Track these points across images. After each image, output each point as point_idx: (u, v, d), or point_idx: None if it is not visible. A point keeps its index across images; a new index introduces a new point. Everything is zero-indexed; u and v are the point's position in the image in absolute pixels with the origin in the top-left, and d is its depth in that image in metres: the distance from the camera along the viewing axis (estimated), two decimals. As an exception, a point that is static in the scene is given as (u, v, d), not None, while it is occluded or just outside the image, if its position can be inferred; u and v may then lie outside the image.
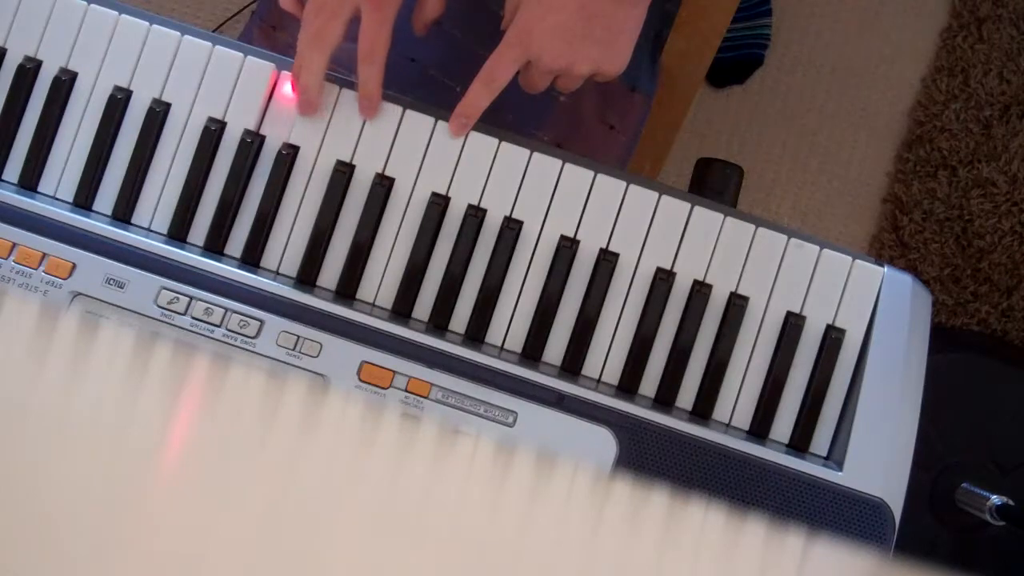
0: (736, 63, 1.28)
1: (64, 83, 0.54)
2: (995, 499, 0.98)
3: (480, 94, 0.53)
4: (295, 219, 0.55)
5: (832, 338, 0.54)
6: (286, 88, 0.54)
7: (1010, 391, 1.12)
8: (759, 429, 0.54)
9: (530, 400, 0.51)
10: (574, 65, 0.54)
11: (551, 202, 0.55)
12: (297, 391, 0.29)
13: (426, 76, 0.66)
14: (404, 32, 0.58)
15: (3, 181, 0.54)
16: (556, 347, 0.54)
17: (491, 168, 0.55)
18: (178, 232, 0.54)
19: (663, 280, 0.54)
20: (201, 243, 0.54)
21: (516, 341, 0.54)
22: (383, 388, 0.51)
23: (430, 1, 0.56)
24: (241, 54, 0.55)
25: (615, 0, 0.52)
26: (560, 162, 0.55)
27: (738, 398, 0.54)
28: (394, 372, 0.51)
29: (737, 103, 1.29)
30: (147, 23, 0.55)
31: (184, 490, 0.17)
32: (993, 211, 1.26)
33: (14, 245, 0.51)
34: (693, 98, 0.78)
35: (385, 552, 0.16)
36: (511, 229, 0.54)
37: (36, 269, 0.51)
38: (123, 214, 0.54)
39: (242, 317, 0.51)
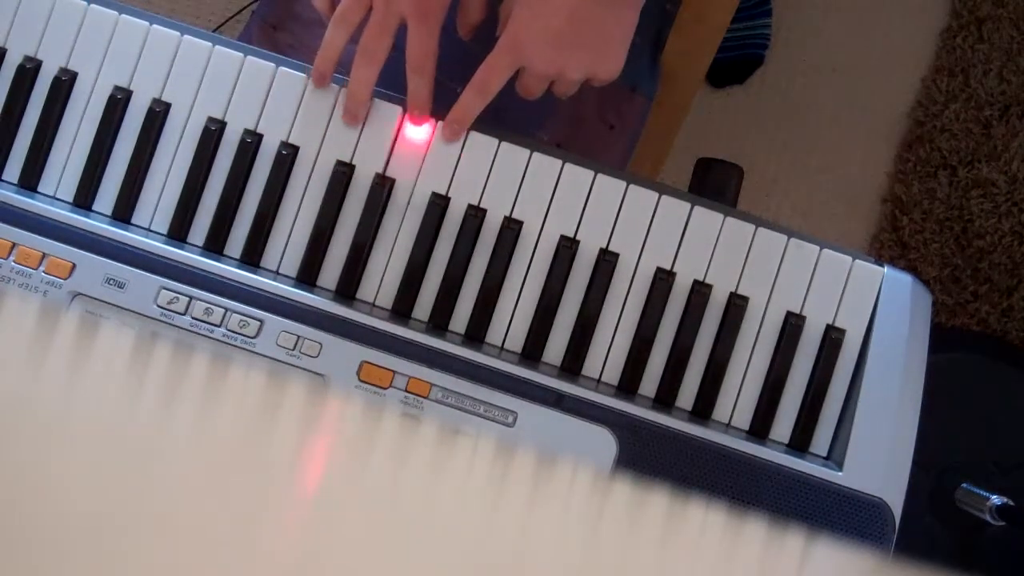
0: (736, 63, 1.28)
1: (64, 83, 0.54)
2: (995, 499, 0.98)
3: (473, 101, 0.53)
4: (295, 219, 0.55)
5: (832, 338, 0.54)
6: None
7: (1010, 391, 1.12)
8: (759, 429, 0.54)
9: (530, 400, 0.51)
10: (565, 70, 0.54)
11: (551, 202, 0.55)
12: (297, 391, 0.29)
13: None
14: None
15: (3, 181, 0.54)
16: (556, 347, 0.54)
17: (491, 168, 0.55)
18: (178, 232, 0.54)
19: (663, 280, 0.54)
20: (201, 243, 0.54)
21: (516, 341, 0.54)
22: (383, 388, 0.51)
23: (472, 6, 0.56)
24: (241, 54, 0.55)
25: (606, 4, 0.52)
26: (560, 162, 0.55)
27: (738, 398, 0.54)
28: (394, 372, 0.51)
29: (737, 103, 1.29)
30: (147, 23, 0.55)
31: (183, 490, 0.17)
32: (993, 211, 1.26)
33: (14, 245, 0.51)
34: (693, 98, 0.78)
35: (385, 552, 0.16)
36: (511, 229, 0.54)
37: (36, 269, 0.51)
38: (123, 214, 0.54)
39: (242, 317, 0.51)
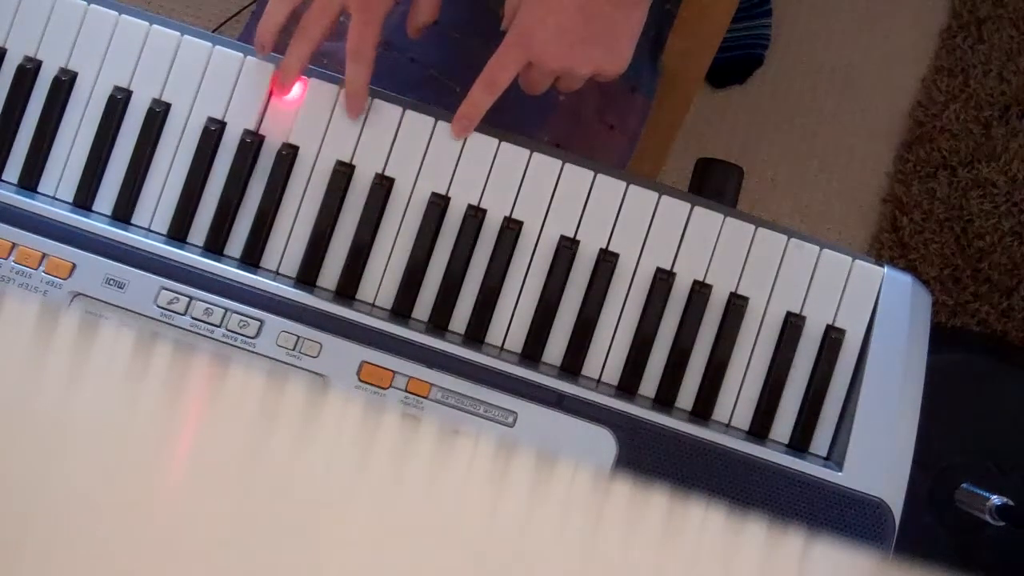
0: (736, 63, 1.28)
1: (64, 83, 0.54)
2: (995, 499, 0.98)
3: (482, 96, 0.53)
4: (295, 219, 0.55)
5: (832, 338, 0.54)
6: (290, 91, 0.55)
7: (1010, 391, 1.12)
8: (759, 429, 0.54)
9: (530, 400, 0.51)
10: (574, 66, 0.54)
11: (551, 202, 0.55)
12: (297, 391, 0.29)
13: (426, 76, 0.66)
14: (404, 33, 0.58)
15: (3, 181, 0.54)
16: (556, 347, 0.54)
17: (491, 168, 0.55)
18: (178, 232, 0.54)
19: (663, 280, 0.54)
20: (201, 243, 0.54)
21: (516, 341, 0.54)
22: (383, 388, 0.51)
23: (423, 6, 0.56)
24: (241, 54, 0.55)
25: (616, 1, 0.52)
26: (560, 162, 0.55)
27: (738, 398, 0.54)
28: (394, 372, 0.51)
29: (737, 103, 1.29)
30: (147, 23, 0.55)
31: (183, 492, 0.17)
32: (993, 211, 1.26)
33: (14, 245, 0.51)
34: (693, 98, 0.78)
35: (385, 553, 0.16)
36: (511, 229, 0.54)
37: (36, 269, 0.51)
38: (123, 214, 0.54)
39: (242, 317, 0.51)
